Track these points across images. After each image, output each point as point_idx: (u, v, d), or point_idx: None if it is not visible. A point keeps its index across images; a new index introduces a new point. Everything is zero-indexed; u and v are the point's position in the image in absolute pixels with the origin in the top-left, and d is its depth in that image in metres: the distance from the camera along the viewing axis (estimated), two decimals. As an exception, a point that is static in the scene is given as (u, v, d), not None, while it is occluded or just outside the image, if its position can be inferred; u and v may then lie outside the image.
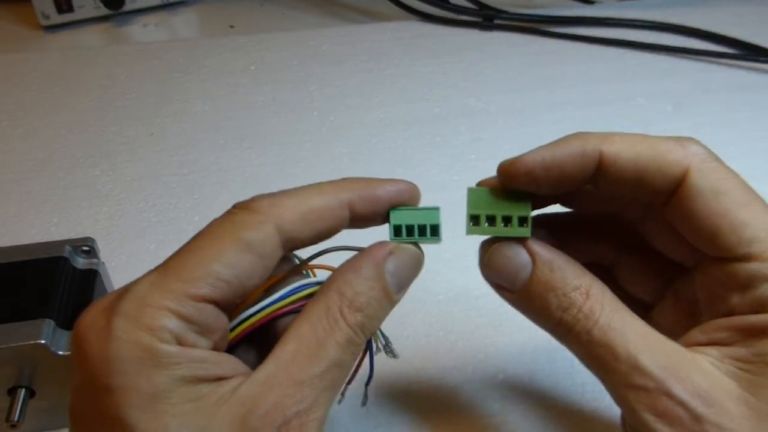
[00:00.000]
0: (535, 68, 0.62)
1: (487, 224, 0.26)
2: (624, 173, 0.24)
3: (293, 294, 0.26)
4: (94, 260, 0.35)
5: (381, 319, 0.25)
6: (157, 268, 0.23)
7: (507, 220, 0.26)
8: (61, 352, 0.30)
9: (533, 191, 0.25)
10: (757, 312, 0.23)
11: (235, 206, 0.24)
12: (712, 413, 0.22)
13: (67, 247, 0.34)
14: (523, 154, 0.25)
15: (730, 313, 0.24)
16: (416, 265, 0.26)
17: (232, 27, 0.71)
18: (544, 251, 0.25)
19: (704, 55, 0.63)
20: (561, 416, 0.35)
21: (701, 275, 0.26)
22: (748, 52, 0.63)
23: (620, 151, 0.24)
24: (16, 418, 0.31)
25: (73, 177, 0.50)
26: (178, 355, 0.21)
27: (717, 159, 0.25)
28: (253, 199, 0.24)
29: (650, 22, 0.67)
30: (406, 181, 0.27)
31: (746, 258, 0.23)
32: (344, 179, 0.26)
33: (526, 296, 0.25)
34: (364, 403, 0.30)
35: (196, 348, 0.22)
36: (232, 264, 0.23)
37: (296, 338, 0.23)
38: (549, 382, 0.36)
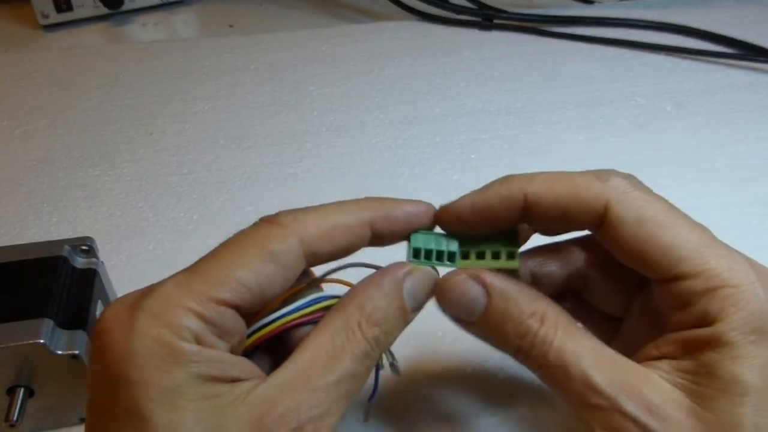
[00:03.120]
0: (535, 68, 0.62)
1: (476, 258, 0.27)
2: (548, 212, 0.26)
3: (310, 306, 0.26)
4: (93, 260, 0.35)
5: (395, 336, 0.26)
6: (183, 270, 0.24)
7: (496, 255, 0.27)
8: (59, 352, 0.30)
9: (469, 232, 0.27)
10: (700, 325, 0.24)
11: (261, 219, 0.25)
12: (663, 427, 0.23)
13: (66, 247, 0.34)
14: (455, 201, 0.27)
15: (677, 328, 0.25)
16: (432, 286, 0.27)
17: (231, 26, 0.71)
18: (496, 281, 0.26)
19: (704, 55, 0.63)
20: (561, 416, 0.35)
21: (655, 291, 0.26)
22: (747, 52, 0.63)
23: (541, 192, 0.25)
24: (15, 418, 0.31)
25: (73, 177, 0.50)
26: (197, 354, 0.22)
27: (638, 187, 0.26)
28: (278, 214, 0.25)
29: (650, 22, 0.67)
30: (425, 203, 0.27)
31: (678, 278, 0.24)
32: (366, 199, 0.27)
33: (484, 326, 0.26)
34: (366, 419, 0.30)
35: (215, 349, 0.23)
36: (256, 272, 0.24)
37: (315, 347, 0.24)
38: (549, 382, 0.36)
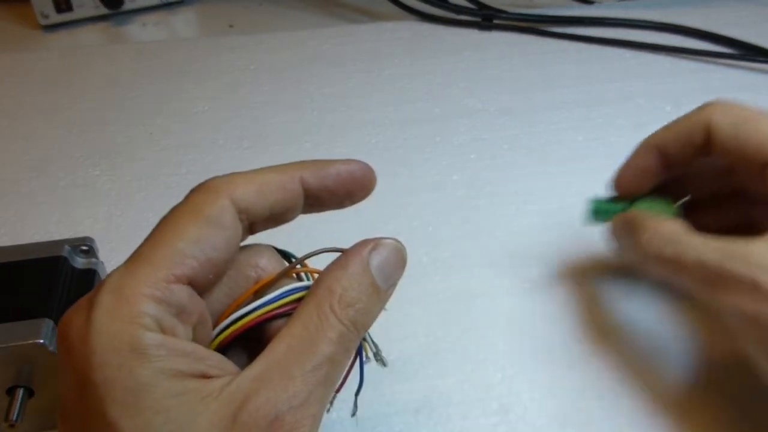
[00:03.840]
0: (534, 68, 0.62)
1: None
2: (675, 145, 0.35)
3: (284, 297, 0.25)
4: (93, 260, 0.35)
5: (373, 315, 0.25)
6: (127, 260, 0.23)
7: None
8: (60, 352, 0.30)
9: (638, 192, 0.37)
10: None
11: (192, 189, 0.25)
12: None
13: (66, 247, 0.34)
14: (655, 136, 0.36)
15: None
16: (399, 258, 0.26)
17: (231, 26, 0.71)
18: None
19: (704, 55, 0.63)
20: (561, 416, 0.35)
21: (757, 185, 0.33)
22: (747, 52, 0.63)
23: (667, 134, 0.36)
24: (14, 418, 0.31)
25: (73, 177, 0.50)
26: (160, 346, 0.21)
27: (737, 103, 0.35)
28: (207, 180, 0.26)
29: (650, 22, 0.67)
30: (357, 161, 0.27)
31: None
32: (300, 160, 0.27)
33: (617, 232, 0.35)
34: (353, 414, 0.30)
35: (178, 337, 0.22)
36: (194, 240, 0.23)
37: (288, 336, 0.23)
38: (548, 381, 0.36)
